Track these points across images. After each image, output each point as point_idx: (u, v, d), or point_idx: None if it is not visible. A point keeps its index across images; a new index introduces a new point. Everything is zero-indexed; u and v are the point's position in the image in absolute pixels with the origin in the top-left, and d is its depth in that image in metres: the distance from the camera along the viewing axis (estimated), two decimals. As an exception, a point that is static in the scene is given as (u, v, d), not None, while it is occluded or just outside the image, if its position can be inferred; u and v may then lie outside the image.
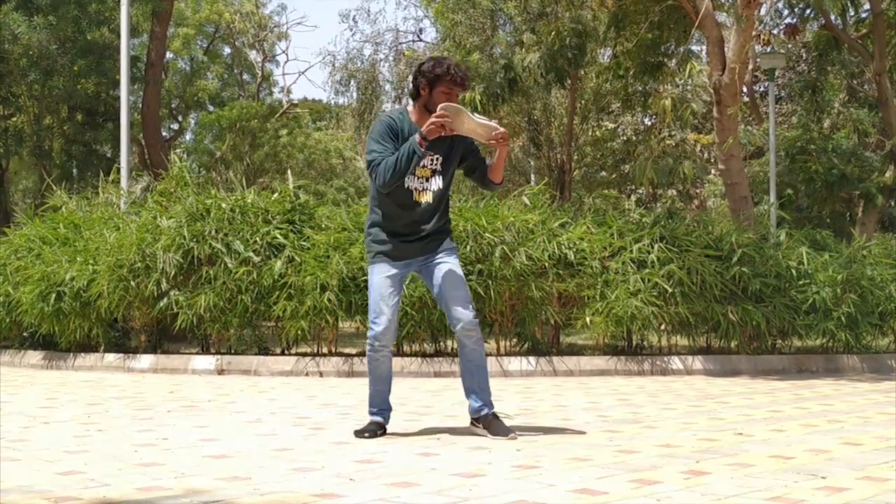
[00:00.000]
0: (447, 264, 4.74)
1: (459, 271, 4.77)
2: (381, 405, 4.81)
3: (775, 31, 18.88)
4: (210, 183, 12.72)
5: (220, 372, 8.68)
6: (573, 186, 21.52)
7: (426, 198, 4.72)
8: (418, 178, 4.69)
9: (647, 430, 4.87)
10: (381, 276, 4.71)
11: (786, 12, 19.62)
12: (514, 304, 8.93)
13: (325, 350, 9.22)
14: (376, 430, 4.69)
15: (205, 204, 9.40)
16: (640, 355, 9.05)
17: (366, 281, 8.54)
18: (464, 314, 4.67)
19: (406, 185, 4.67)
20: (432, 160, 4.71)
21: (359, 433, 4.66)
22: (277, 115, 30.66)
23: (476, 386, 4.75)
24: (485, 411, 4.72)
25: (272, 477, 3.57)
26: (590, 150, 23.34)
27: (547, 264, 8.79)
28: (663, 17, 12.67)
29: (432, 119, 4.52)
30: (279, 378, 8.31)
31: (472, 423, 4.80)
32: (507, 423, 4.81)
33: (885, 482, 3.49)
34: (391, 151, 4.61)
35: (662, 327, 9.40)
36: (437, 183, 4.74)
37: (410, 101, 4.83)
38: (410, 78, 4.67)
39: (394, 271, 4.71)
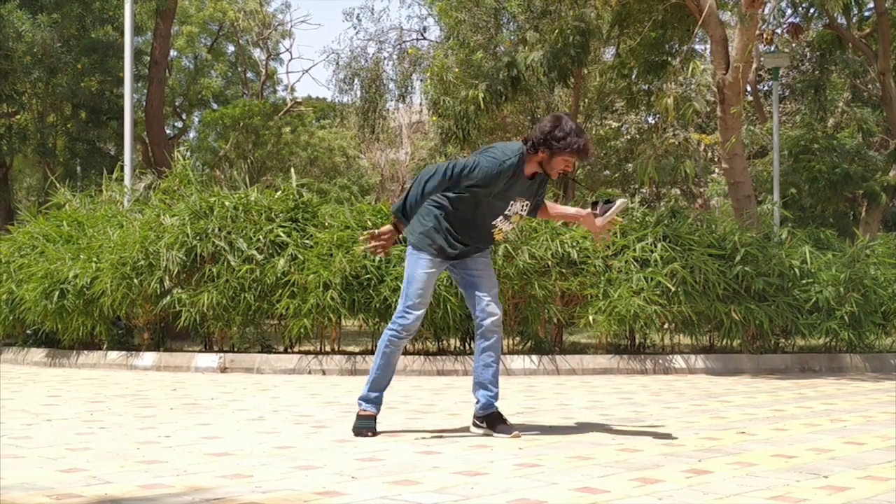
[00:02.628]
0: (484, 259, 4.85)
1: (490, 264, 4.89)
2: (382, 390, 4.78)
3: (779, 31, 18.85)
4: (213, 181, 12.74)
5: (223, 370, 8.69)
6: (576, 185, 21.50)
7: (500, 236, 4.84)
8: (506, 219, 4.75)
9: (650, 429, 4.87)
10: (425, 271, 4.71)
11: (789, 11, 19.61)
12: (517, 302, 8.93)
13: (327, 348, 9.23)
14: (374, 425, 4.68)
15: (208, 202, 9.41)
16: (643, 354, 9.05)
17: (369, 279, 8.60)
18: (495, 310, 4.74)
19: (489, 220, 4.72)
20: (523, 206, 4.76)
21: (360, 432, 4.63)
22: (281, 113, 30.66)
23: (493, 379, 4.76)
24: (494, 408, 4.74)
25: (274, 475, 3.57)
26: (593, 149, 23.34)
27: (550, 263, 8.79)
28: (667, 16, 12.66)
29: (377, 245, 4.52)
30: (282, 376, 8.32)
31: (474, 421, 4.80)
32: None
33: (887, 481, 3.48)
34: (468, 186, 4.56)
35: (665, 326, 9.40)
36: (514, 226, 4.86)
37: (523, 145, 4.66)
38: (537, 133, 4.59)
39: (437, 270, 4.75)
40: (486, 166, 4.54)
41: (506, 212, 4.71)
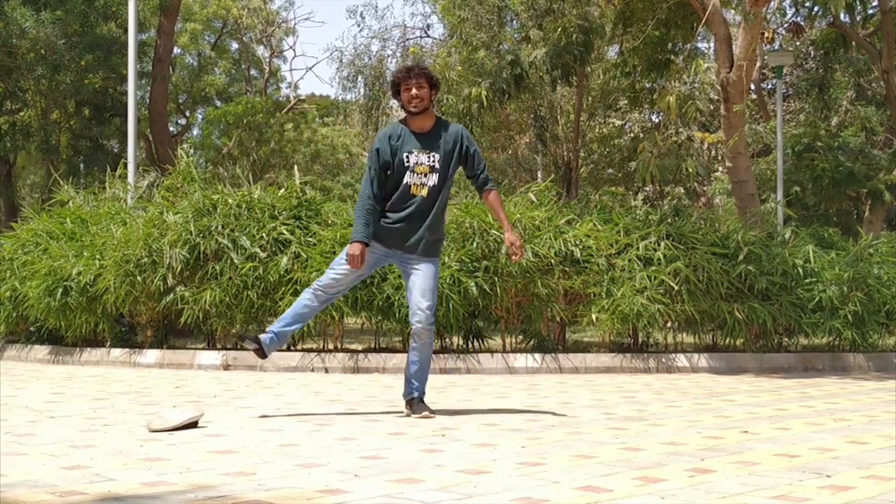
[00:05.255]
0: (429, 265, 5.26)
1: (434, 274, 5.28)
2: (280, 328, 5.34)
3: (780, 31, 18.84)
4: (217, 178, 12.74)
5: (226, 367, 8.69)
6: (580, 183, 21.50)
7: (423, 192, 5.19)
8: (417, 174, 5.16)
9: (653, 428, 4.86)
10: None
11: (791, 11, 19.59)
12: (520, 300, 8.92)
13: (330, 346, 9.23)
14: (256, 343, 5.26)
15: (211, 199, 9.41)
16: (646, 353, 9.04)
17: (371, 277, 8.60)
18: (424, 308, 5.20)
19: (405, 180, 5.18)
20: (430, 157, 5.18)
21: (242, 340, 5.41)
22: (285, 110, 30.67)
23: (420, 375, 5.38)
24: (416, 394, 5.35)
25: (277, 472, 3.57)
26: (597, 148, 23.32)
27: (553, 261, 8.78)
28: (670, 14, 12.65)
29: (351, 257, 5.14)
30: (285, 374, 8.32)
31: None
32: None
33: (890, 481, 3.48)
34: (375, 167, 5.22)
35: (668, 325, 9.40)
36: (433, 179, 5.20)
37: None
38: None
39: (375, 253, 5.26)
40: (373, 147, 5.28)
41: (407, 164, 5.17)
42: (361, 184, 5.35)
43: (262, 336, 5.34)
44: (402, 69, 5.31)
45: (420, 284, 5.21)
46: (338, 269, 5.28)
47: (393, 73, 5.38)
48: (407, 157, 5.18)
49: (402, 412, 5.41)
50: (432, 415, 5.22)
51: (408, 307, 5.36)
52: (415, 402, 5.32)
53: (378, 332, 9.70)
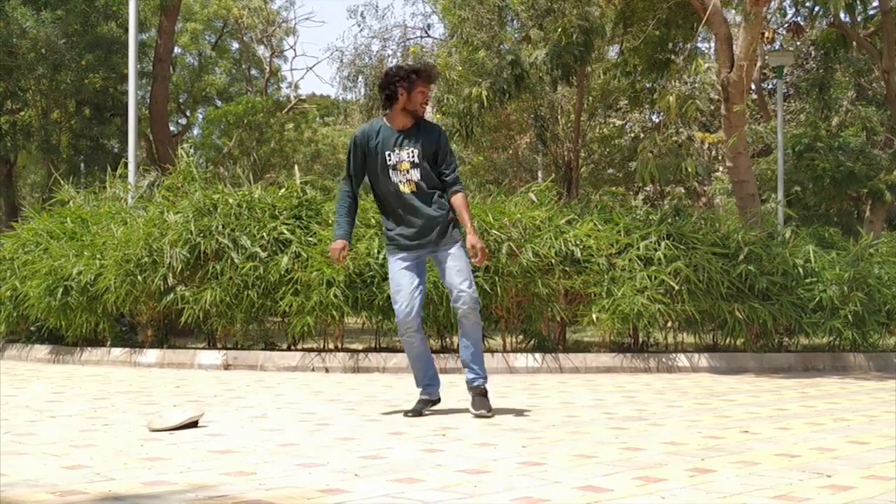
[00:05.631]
0: (458, 249, 5.28)
1: (462, 255, 5.28)
2: (423, 381, 5.41)
3: (780, 31, 18.84)
4: (217, 178, 12.74)
5: (226, 367, 8.69)
6: (580, 183, 21.50)
7: (410, 188, 5.25)
8: (400, 171, 5.25)
9: (653, 428, 4.86)
10: (396, 270, 5.31)
11: (791, 11, 19.59)
12: (520, 300, 8.92)
13: (331, 346, 9.23)
14: (422, 408, 5.33)
15: (212, 199, 9.41)
16: (647, 352, 9.04)
17: (372, 276, 8.61)
18: (465, 288, 5.20)
19: (391, 179, 5.26)
20: (410, 153, 5.25)
21: (407, 413, 5.28)
22: (285, 110, 30.67)
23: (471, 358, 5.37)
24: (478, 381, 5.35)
25: (277, 472, 3.57)
26: (597, 147, 23.32)
27: (553, 261, 8.78)
28: (671, 14, 12.65)
29: (332, 251, 5.30)
30: (285, 373, 8.32)
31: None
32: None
33: (890, 481, 3.48)
34: (352, 165, 5.37)
35: (669, 324, 9.39)
36: (416, 174, 5.25)
37: (383, 112, 5.43)
38: (383, 89, 5.33)
39: (406, 263, 5.29)
40: (350, 142, 5.40)
41: (389, 163, 5.24)
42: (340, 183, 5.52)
43: (422, 397, 5.43)
44: (429, 68, 5.32)
45: (451, 267, 5.23)
46: (395, 297, 5.30)
47: (415, 66, 5.30)
48: (389, 155, 5.25)
49: (402, 411, 5.41)
50: (489, 413, 5.22)
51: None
52: (475, 396, 5.31)
53: (378, 332, 9.70)
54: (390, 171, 5.24)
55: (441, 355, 8.53)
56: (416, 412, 5.26)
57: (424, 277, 5.38)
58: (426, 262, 5.47)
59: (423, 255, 5.35)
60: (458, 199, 5.33)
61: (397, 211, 5.28)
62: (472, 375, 5.34)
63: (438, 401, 5.44)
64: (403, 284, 5.24)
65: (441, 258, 5.29)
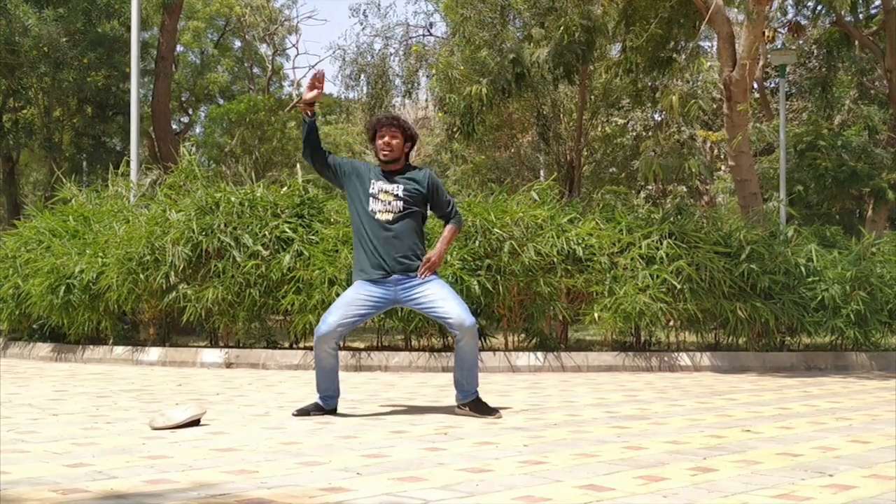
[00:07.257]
0: (431, 282, 5.25)
1: (442, 284, 5.30)
2: (326, 392, 5.32)
3: (781, 31, 18.82)
4: (219, 176, 12.74)
5: (229, 365, 8.70)
6: (582, 182, 21.49)
7: (388, 217, 5.22)
8: (381, 201, 5.24)
9: (655, 427, 4.86)
10: (352, 293, 5.26)
11: (792, 11, 19.56)
12: (522, 299, 8.92)
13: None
14: (312, 410, 5.26)
15: (214, 197, 9.41)
16: (648, 351, 9.04)
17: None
18: (454, 317, 5.18)
19: (370, 208, 5.24)
20: (394, 187, 5.26)
21: (295, 412, 5.24)
22: (287, 108, 30.66)
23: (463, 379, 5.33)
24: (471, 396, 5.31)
25: (279, 471, 3.57)
26: (599, 146, 23.32)
27: (555, 260, 8.78)
28: (673, 13, 12.64)
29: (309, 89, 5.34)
30: (287, 372, 8.33)
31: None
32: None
33: (892, 480, 3.48)
34: (340, 164, 5.41)
35: (671, 323, 9.39)
36: (398, 206, 5.24)
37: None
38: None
39: (365, 294, 5.23)
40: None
41: (371, 191, 5.25)
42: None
43: (318, 402, 5.36)
44: (380, 117, 5.41)
45: (432, 298, 5.18)
46: (331, 309, 5.28)
47: (370, 120, 5.46)
48: (373, 183, 5.26)
49: (402, 408, 5.41)
50: (498, 416, 5.21)
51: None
52: (472, 405, 5.28)
53: (380, 331, 9.70)
54: (371, 199, 5.24)
55: (442, 354, 8.54)
56: (304, 412, 5.22)
57: (372, 315, 5.34)
58: (390, 307, 5.39)
59: (389, 296, 5.23)
60: (447, 229, 5.41)
61: (372, 241, 5.21)
62: (461, 393, 5.33)
63: (333, 412, 5.31)
64: (348, 306, 5.20)
65: (414, 297, 5.21)
